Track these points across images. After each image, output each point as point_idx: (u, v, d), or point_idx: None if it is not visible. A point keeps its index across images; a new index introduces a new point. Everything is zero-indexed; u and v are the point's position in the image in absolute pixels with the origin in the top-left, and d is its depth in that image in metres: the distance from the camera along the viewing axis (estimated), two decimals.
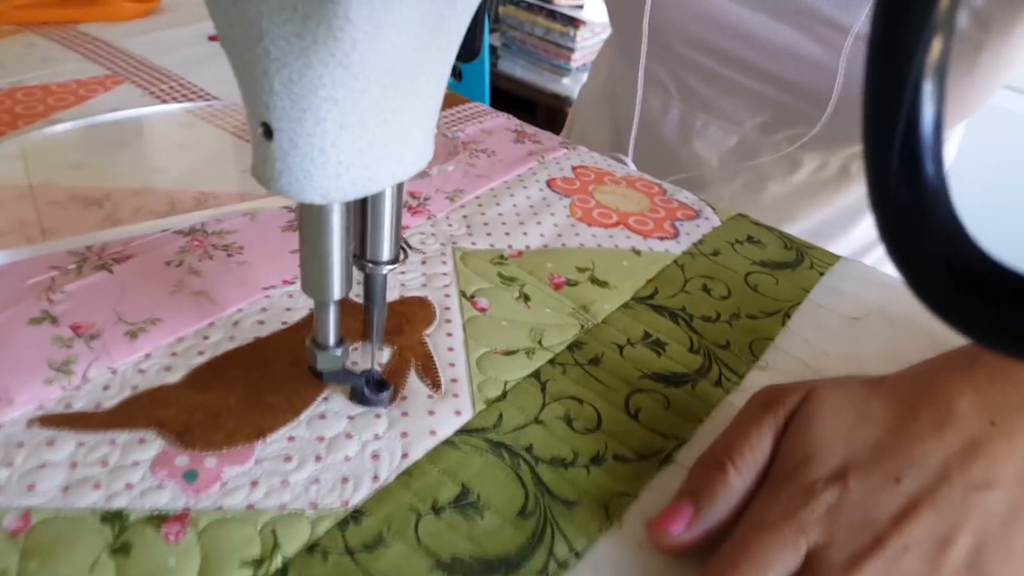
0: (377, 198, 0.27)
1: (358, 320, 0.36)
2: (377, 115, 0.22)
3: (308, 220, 0.26)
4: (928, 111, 0.13)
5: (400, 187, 0.28)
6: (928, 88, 0.13)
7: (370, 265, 0.29)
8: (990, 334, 0.13)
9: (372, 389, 0.32)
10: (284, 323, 0.36)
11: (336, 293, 0.27)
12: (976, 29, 0.53)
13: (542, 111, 2.27)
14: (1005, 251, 0.14)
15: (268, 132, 0.22)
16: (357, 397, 0.32)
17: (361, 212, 0.28)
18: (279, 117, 0.21)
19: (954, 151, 0.75)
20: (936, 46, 0.12)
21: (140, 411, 0.30)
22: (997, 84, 0.59)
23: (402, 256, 0.30)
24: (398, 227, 0.29)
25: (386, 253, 0.29)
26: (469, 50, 0.29)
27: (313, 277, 0.27)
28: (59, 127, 0.51)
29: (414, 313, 0.37)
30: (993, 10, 0.53)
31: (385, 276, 0.30)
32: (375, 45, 0.20)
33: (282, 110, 0.21)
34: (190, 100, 0.56)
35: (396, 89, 0.22)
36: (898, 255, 0.14)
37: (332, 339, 0.29)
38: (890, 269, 0.59)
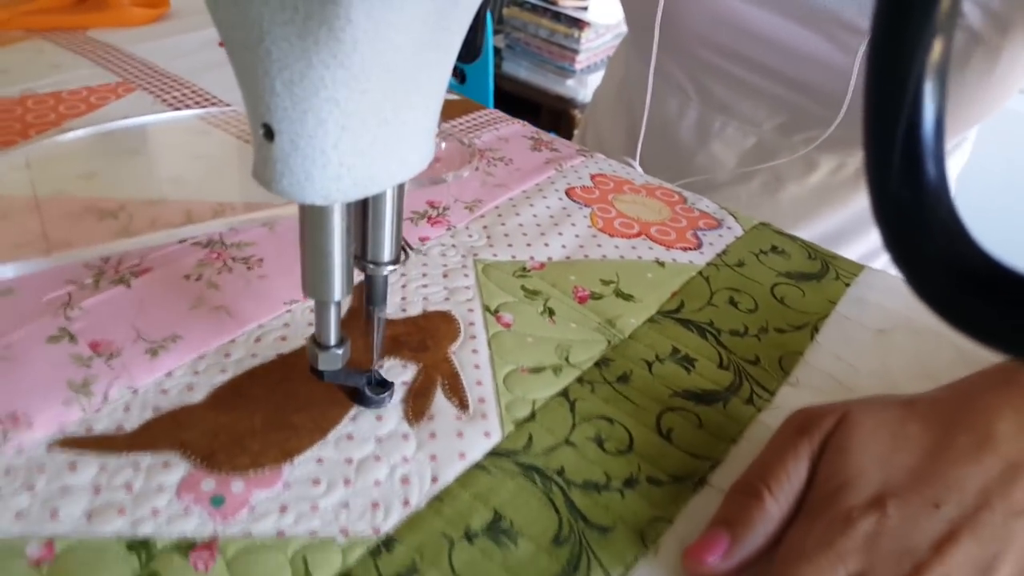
0: (378, 199, 0.27)
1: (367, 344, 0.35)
2: (378, 116, 0.22)
3: (309, 221, 0.26)
4: (929, 111, 0.13)
5: (401, 188, 0.28)
6: (929, 88, 0.13)
7: (371, 266, 0.29)
8: (991, 334, 0.13)
9: (373, 389, 0.32)
10: (307, 338, 0.35)
11: (337, 294, 0.27)
12: (995, 33, 0.53)
13: (546, 113, 2.27)
14: (1012, 252, 0.14)
15: (269, 133, 0.22)
16: (359, 397, 0.32)
17: (362, 213, 0.28)
18: (280, 118, 0.21)
19: (967, 152, 0.74)
20: (937, 46, 0.12)
21: (163, 433, 0.30)
22: (1014, 87, 0.58)
23: (403, 257, 0.30)
24: (399, 228, 0.29)
25: (387, 254, 0.29)
26: (471, 50, 0.29)
27: (314, 278, 0.27)
28: (70, 135, 0.50)
29: (438, 328, 0.37)
30: (1011, 14, 0.52)
31: (386, 277, 0.30)
32: (376, 45, 0.20)
33: (283, 111, 0.21)
34: (202, 107, 0.56)
35: (397, 90, 0.22)
36: (899, 255, 0.14)
37: (333, 339, 0.29)
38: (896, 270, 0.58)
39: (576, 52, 2.19)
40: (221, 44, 0.68)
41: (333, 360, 0.30)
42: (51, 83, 0.58)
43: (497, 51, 2.37)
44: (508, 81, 2.33)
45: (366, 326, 0.31)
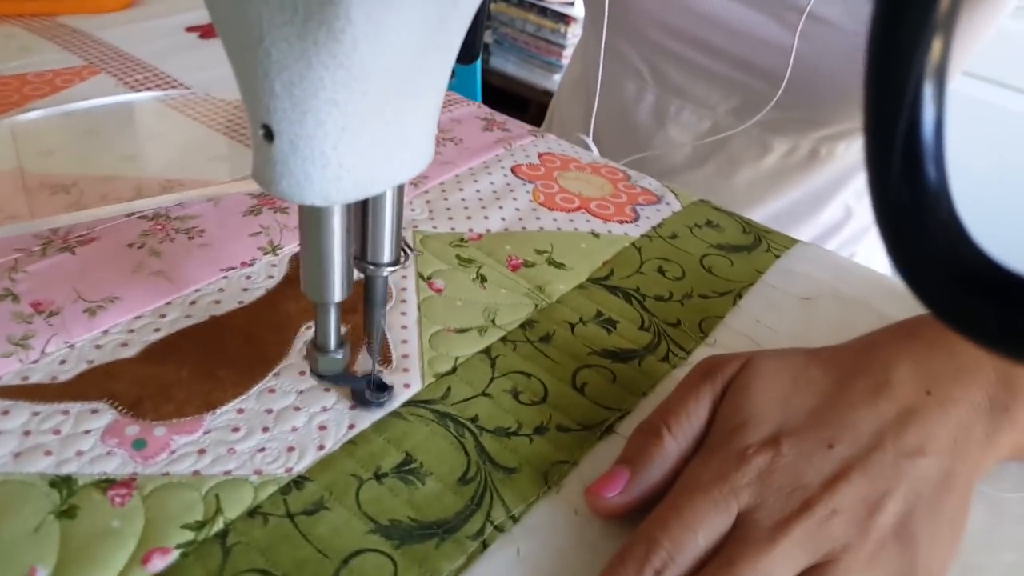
0: (378, 200, 0.27)
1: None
2: (378, 117, 0.22)
3: (309, 222, 0.26)
4: (929, 112, 0.13)
5: (401, 188, 0.28)
6: (929, 89, 0.13)
7: (371, 267, 0.29)
8: (992, 336, 0.13)
9: (374, 391, 0.32)
10: (240, 302, 0.37)
11: (337, 295, 0.27)
12: None
13: (534, 107, 2.28)
14: (1004, 252, 0.14)
15: (269, 134, 0.22)
16: (359, 399, 0.32)
17: (362, 214, 0.28)
18: (280, 119, 0.21)
19: None
20: (937, 46, 0.12)
21: (94, 383, 0.31)
22: (957, 71, 0.60)
23: (403, 258, 0.30)
24: (399, 228, 0.29)
25: (387, 255, 0.29)
26: (470, 51, 0.30)
27: (314, 279, 0.27)
28: (31, 115, 0.51)
29: None
30: None
31: (386, 278, 0.30)
32: (376, 46, 0.20)
33: (283, 112, 0.21)
34: (162, 90, 0.57)
35: (397, 91, 0.22)
36: (899, 257, 0.14)
37: (333, 342, 0.29)
38: (857, 250, 0.59)
39: (563, 47, 2.21)
40: (188, 30, 0.70)
41: (334, 364, 0.30)
42: (18, 66, 0.60)
43: (485, 46, 2.38)
44: (496, 76, 2.35)
45: (364, 328, 0.31)
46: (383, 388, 0.32)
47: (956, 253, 0.13)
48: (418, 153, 0.25)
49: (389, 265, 0.29)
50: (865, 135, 0.14)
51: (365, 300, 0.31)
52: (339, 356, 0.30)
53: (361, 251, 0.29)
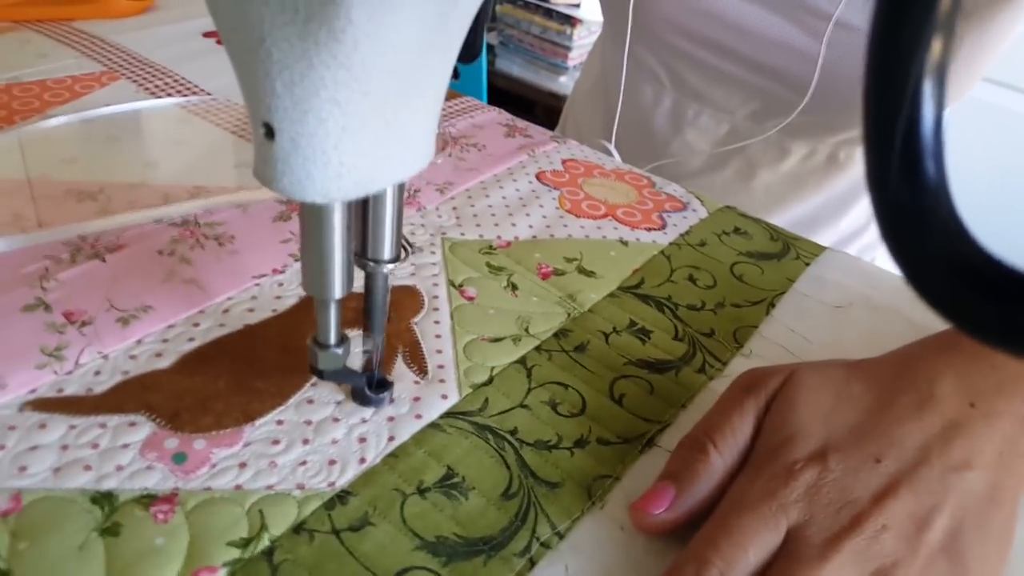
0: (378, 197, 0.27)
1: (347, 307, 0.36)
2: (379, 116, 0.22)
3: (309, 219, 0.26)
4: (929, 110, 0.13)
5: (402, 186, 0.28)
6: (929, 88, 0.13)
7: (371, 264, 0.29)
8: (993, 332, 0.13)
9: (374, 389, 0.32)
10: (274, 311, 0.36)
11: (337, 292, 0.27)
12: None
13: (540, 110, 2.28)
14: (1005, 250, 0.14)
15: (270, 133, 0.22)
16: (358, 396, 0.32)
17: (362, 211, 0.28)
18: (281, 118, 0.21)
19: None
20: (937, 45, 0.12)
21: (130, 395, 0.31)
22: (976, 76, 0.59)
23: (403, 255, 0.30)
24: (399, 226, 0.29)
25: (387, 252, 0.29)
26: (470, 51, 0.29)
27: (314, 276, 0.27)
28: (54, 121, 0.51)
29: (402, 302, 0.38)
30: (975, 0, 0.53)
31: (387, 275, 0.30)
32: (377, 46, 0.20)
33: (284, 111, 0.21)
34: (183, 95, 0.57)
35: (398, 90, 0.22)
36: (899, 254, 0.14)
37: (333, 338, 0.29)
38: (877, 255, 0.59)
39: (569, 49, 2.21)
40: (205, 35, 0.69)
41: (334, 359, 0.30)
42: (37, 72, 0.59)
43: (490, 48, 2.38)
44: (501, 78, 2.35)
45: (365, 326, 0.31)
46: (384, 385, 0.32)
47: (956, 250, 0.13)
48: (418, 152, 0.25)
49: (389, 262, 0.29)
50: (864, 133, 0.14)
51: (366, 297, 0.30)
52: (339, 352, 0.29)
53: (361, 248, 0.29)
